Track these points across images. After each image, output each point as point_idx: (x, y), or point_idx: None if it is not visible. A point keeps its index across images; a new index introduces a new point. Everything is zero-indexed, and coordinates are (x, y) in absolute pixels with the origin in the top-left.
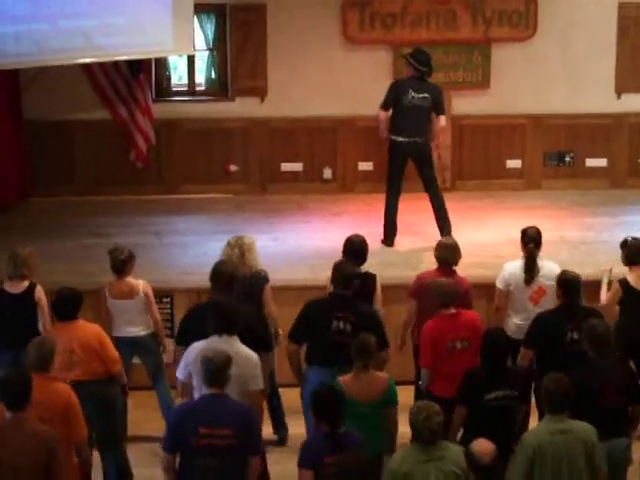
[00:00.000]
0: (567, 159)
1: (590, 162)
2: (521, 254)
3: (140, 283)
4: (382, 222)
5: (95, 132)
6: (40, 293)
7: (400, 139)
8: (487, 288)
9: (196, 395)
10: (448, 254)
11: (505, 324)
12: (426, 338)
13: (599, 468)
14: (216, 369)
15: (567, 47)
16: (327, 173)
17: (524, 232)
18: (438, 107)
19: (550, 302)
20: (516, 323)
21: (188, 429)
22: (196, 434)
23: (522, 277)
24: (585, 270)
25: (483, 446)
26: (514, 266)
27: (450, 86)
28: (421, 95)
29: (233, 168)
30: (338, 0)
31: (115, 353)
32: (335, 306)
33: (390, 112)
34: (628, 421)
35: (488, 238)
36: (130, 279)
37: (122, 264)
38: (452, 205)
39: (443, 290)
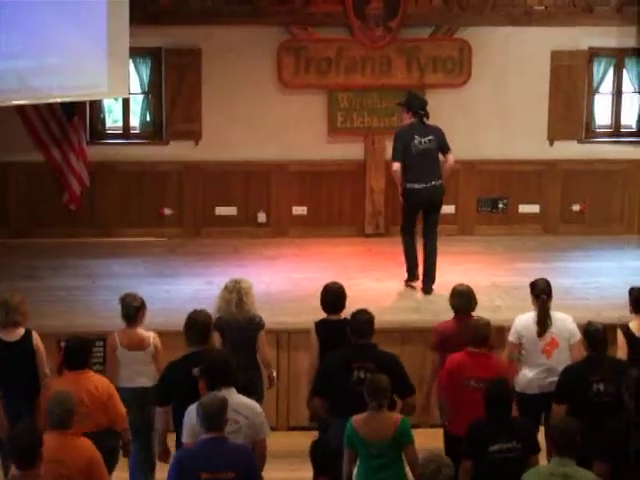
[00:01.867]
0: (500, 205)
1: (523, 208)
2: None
3: (151, 335)
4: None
5: (29, 174)
6: (37, 340)
7: (417, 186)
8: (420, 333)
9: None
10: (464, 301)
11: (515, 379)
12: (446, 368)
13: None
14: (213, 413)
15: (501, 94)
16: (261, 217)
17: (533, 285)
18: (444, 147)
19: (564, 354)
20: (528, 377)
21: (190, 475)
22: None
23: (534, 330)
24: (517, 315)
25: None
26: (525, 319)
27: (385, 131)
28: (427, 139)
29: (167, 211)
30: (273, 44)
31: (123, 409)
32: (354, 356)
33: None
34: None
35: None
36: (141, 330)
37: (135, 312)
38: (386, 250)
39: (478, 330)
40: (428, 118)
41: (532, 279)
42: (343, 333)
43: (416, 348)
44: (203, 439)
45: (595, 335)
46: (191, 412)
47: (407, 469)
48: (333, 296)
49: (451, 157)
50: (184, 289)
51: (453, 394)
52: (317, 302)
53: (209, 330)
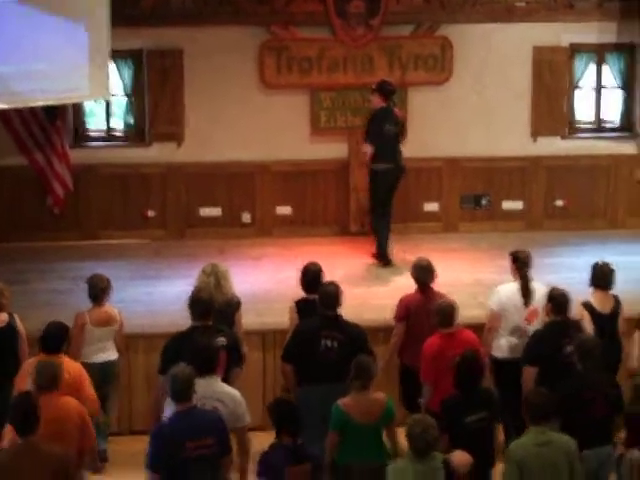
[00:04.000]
0: (484, 202)
1: (506, 205)
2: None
3: (116, 311)
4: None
5: (12, 178)
6: (19, 323)
7: (383, 167)
8: None
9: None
10: (425, 274)
11: (496, 345)
12: (427, 355)
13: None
14: (184, 384)
15: (483, 90)
16: (246, 217)
17: (515, 257)
18: (401, 134)
19: (540, 321)
20: (511, 342)
21: (174, 446)
22: (184, 449)
23: (519, 300)
24: None
25: (461, 458)
26: (509, 289)
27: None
28: (393, 124)
29: (151, 214)
30: (255, 45)
31: (94, 393)
32: (322, 325)
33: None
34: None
35: (406, 281)
36: (108, 307)
37: (101, 292)
38: (371, 248)
39: (445, 312)
40: (395, 105)
41: None
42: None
43: None
44: (178, 410)
45: (560, 299)
46: None
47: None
48: (311, 276)
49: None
50: (169, 291)
51: (441, 376)
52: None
53: (211, 307)
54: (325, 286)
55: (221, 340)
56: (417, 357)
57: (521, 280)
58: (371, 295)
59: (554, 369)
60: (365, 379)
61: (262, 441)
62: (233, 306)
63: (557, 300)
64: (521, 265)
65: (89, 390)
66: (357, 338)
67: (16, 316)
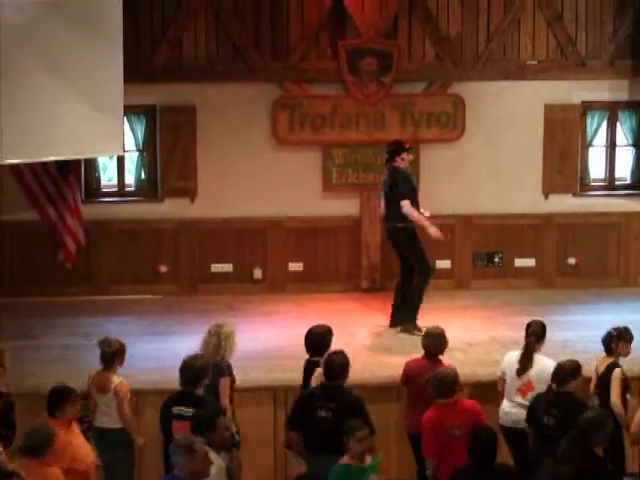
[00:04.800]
0: (496, 259)
1: (519, 262)
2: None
3: (117, 381)
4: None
5: (24, 233)
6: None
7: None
8: None
9: None
10: (435, 343)
11: (500, 411)
12: (426, 428)
13: None
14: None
15: (495, 148)
16: (257, 273)
17: (528, 325)
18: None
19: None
20: (504, 410)
21: None
22: None
23: (516, 367)
24: None
25: None
26: (512, 355)
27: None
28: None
29: (163, 269)
30: (268, 101)
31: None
32: (320, 395)
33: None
34: None
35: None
36: (112, 374)
37: (110, 356)
38: (383, 305)
39: (442, 382)
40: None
41: None
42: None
43: None
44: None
45: (556, 370)
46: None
47: None
48: (313, 339)
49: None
50: (180, 347)
51: (440, 448)
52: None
53: (199, 375)
54: (330, 355)
55: (185, 410)
56: (417, 425)
57: (523, 348)
58: (384, 351)
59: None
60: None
61: None
62: (219, 370)
63: (555, 371)
64: (529, 333)
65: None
66: (352, 406)
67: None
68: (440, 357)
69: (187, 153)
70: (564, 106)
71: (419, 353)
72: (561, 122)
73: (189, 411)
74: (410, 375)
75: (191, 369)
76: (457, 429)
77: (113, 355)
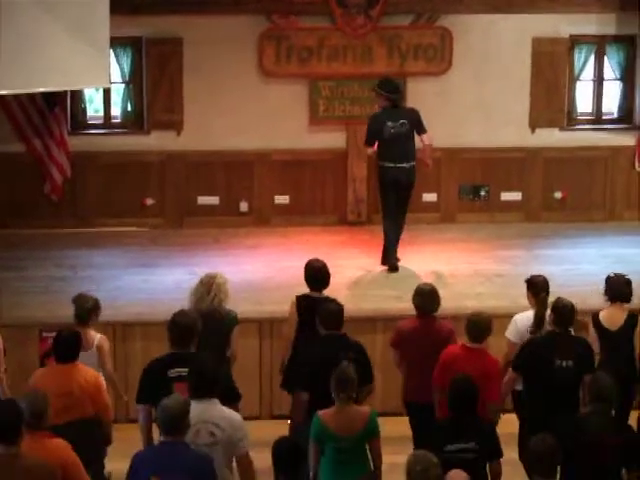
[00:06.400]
0: (482, 193)
1: (505, 196)
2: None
3: (97, 336)
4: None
5: (10, 165)
6: None
7: (386, 165)
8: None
9: None
10: (427, 302)
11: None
12: (442, 359)
13: None
14: (172, 416)
15: (482, 81)
16: (243, 206)
17: (531, 282)
18: (418, 128)
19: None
20: None
21: (139, 478)
22: None
23: (530, 327)
24: (501, 303)
25: (457, 477)
26: (526, 318)
27: (366, 120)
28: (399, 123)
29: (149, 202)
30: (254, 34)
31: (109, 400)
32: (337, 346)
33: (375, 145)
34: None
35: (407, 272)
36: (90, 330)
37: (86, 313)
38: (369, 239)
39: (478, 325)
40: (402, 101)
41: (515, 266)
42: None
43: None
44: (160, 442)
45: (562, 311)
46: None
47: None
48: (315, 272)
49: (426, 137)
50: (166, 279)
51: (445, 386)
52: (300, 290)
53: (192, 333)
54: (327, 305)
55: (180, 370)
56: (416, 392)
57: (537, 307)
58: (369, 284)
59: (542, 381)
60: (349, 390)
61: (257, 430)
62: (230, 321)
63: (559, 312)
64: (538, 290)
65: (104, 398)
66: (361, 356)
67: None
68: (434, 315)
69: (173, 85)
70: (552, 40)
71: (405, 287)
72: (549, 56)
73: (183, 371)
74: (404, 336)
75: (183, 327)
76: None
77: (89, 311)
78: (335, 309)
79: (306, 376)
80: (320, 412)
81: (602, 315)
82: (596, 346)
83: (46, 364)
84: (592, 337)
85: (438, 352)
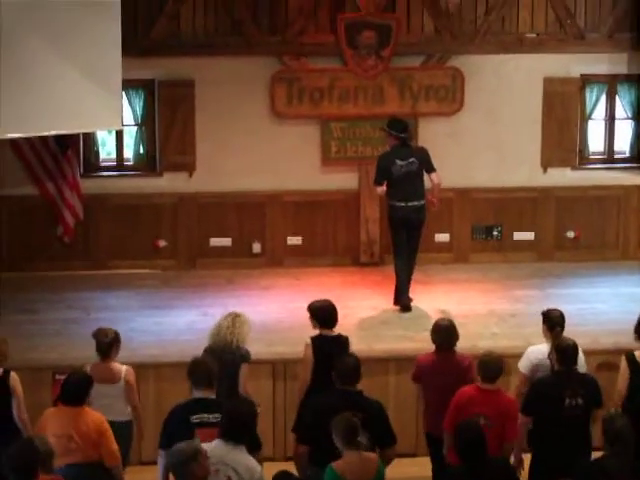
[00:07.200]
0: (495, 233)
1: (517, 235)
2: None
3: (123, 369)
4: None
5: (23, 207)
6: (15, 381)
7: (397, 204)
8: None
9: None
10: (445, 338)
11: None
12: (454, 402)
13: None
14: (179, 463)
15: (493, 121)
16: (256, 247)
17: (547, 315)
18: (427, 167)
19: None
20: None
21: None
22: None
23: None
24: (514, 342)
25: None
26: (540, 351)
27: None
28: (408, 161)
29: (162, 243)
30: (266, 75)
31: (115, 447)
32: (342, 405)
33: (385, 185)
34: None
35: (419, 312)
36: (114, 363)
37: (107, 347)
38: (382, 280)
39: (490, 366)
40: (411, 140)
41: (529, 306)
42: (338, 348)
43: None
44: None
45: (566, 350)
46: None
47: None
48: (323, 312)
49: (435, 176)
50: (179, 321)
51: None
52: (313, 331)
53: (213, 378)
54: (345, 358)
55: (203, 416)
56: (437, 425)
57: (553, 341)
58: (381, 324)
59: (554, 421)
60: (356, 439)
61: (271, 472)
62: (238, 358)
63: (563, 350)
64: (553, 324)
65: (109, 444)
66: (378, 416)
67: (14, 374)
68: (454, 349)
69: (185, 127)
70: (563, 79)
71: (417, 327)
72: (560, 95)
73: (211, 417)
74: (423, 371)
75: (206, 372)
76: (482, 418)
77: (110, 345)
78: (352, 364)
79: (308, 430)
80: (333, 464)
81: (637, 354)
82: (623, 385)
83: (58, 406)
84: (623, 376)
85: (459, 384)
